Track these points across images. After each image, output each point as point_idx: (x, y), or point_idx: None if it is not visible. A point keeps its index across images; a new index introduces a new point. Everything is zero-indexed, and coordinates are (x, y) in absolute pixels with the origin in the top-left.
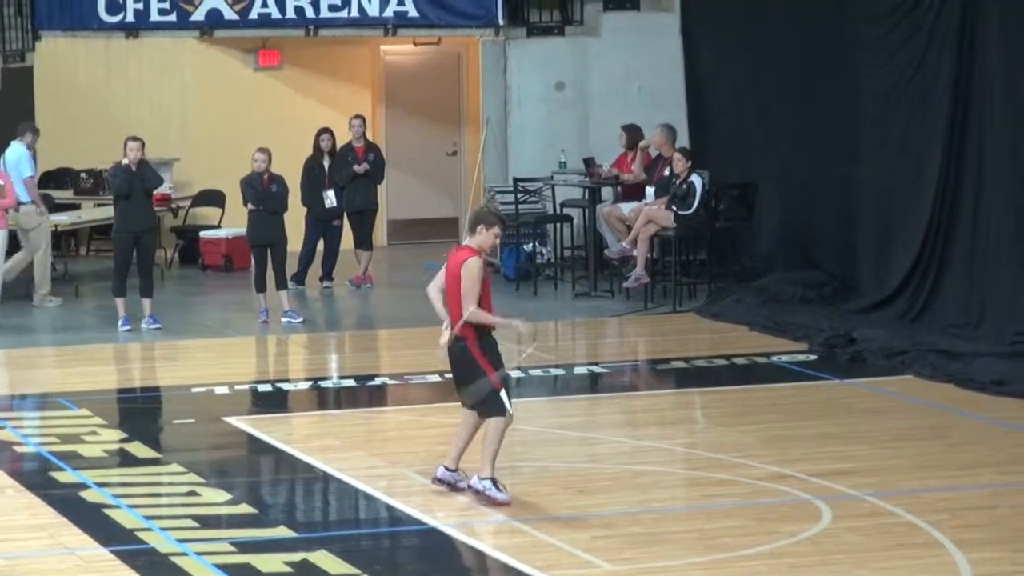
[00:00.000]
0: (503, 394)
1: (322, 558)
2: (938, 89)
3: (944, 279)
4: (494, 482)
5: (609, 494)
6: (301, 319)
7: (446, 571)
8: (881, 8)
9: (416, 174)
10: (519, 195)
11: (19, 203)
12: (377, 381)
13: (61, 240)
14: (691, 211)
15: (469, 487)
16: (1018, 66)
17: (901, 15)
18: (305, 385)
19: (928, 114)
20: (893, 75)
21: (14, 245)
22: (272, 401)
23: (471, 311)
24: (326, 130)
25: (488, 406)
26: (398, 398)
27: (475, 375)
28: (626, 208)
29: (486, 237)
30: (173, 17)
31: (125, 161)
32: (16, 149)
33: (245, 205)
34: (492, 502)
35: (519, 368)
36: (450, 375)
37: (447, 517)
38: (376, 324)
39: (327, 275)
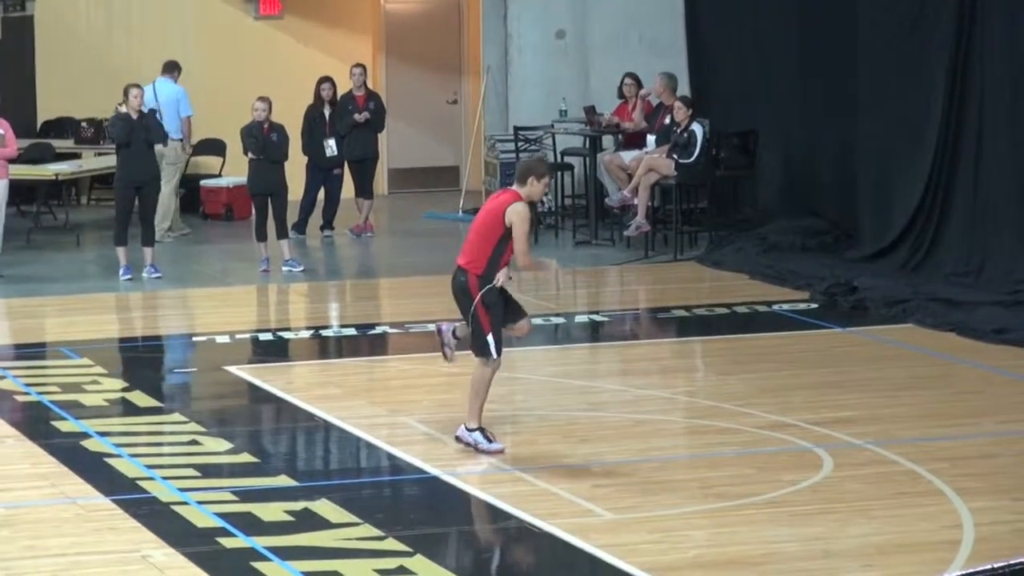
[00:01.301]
0: (490, 338)
1: (323, 507)
2: (939, 38)
3: (945, 228)
4: (482, 431)
5: (610, 443)
6: (302, 268)
7: (447, 520)
8: None
9: (417, 123)
10: (519, 143)
11: (168, 138)
12: (378, 330)
13: (62, 189)
14: (692, 159)
15: (456, 439)
16: (1019, 17)
17: None
18: (306, 334)
19: (929, 63)
20: (894, 24)
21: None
22: (273, 350)
23: (528, 260)
24: (327, 79)
25: (476, 347)
26: (399, 347)
27: (469, 312)
28: (627, 157)
29: (537, 188)
30: None
31: (124, 109)
32: (171, 87)
33: (246, 154)
34: (485, 453)
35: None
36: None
37: (448, 465)
38: (377, 273)
39: (328, 224)
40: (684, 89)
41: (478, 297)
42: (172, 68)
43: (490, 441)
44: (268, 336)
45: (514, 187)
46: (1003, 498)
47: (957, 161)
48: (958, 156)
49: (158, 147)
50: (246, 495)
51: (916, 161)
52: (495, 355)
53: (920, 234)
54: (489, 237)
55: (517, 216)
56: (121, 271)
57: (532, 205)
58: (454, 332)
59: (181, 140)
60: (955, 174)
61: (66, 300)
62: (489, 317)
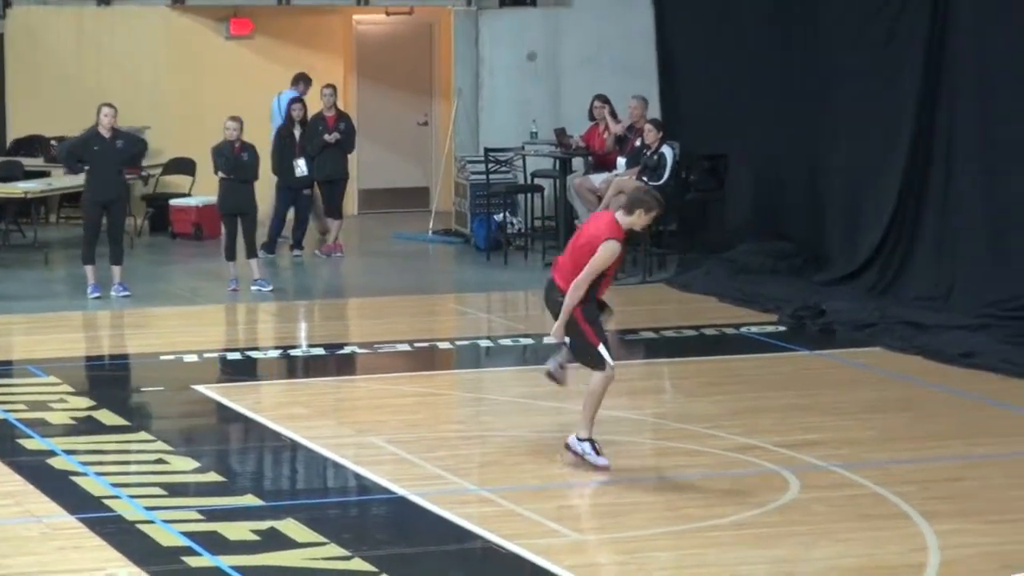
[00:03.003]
0: (602, 348)
1: (290, 526)
2: (909, 62)
3: (914, 251)
4: (592, 443)
5: (577, 464)
6: (271, 287)
7: (414, 540)
8: None
9: (387, 144)
10: (490, 165)
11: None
12: (346, 350)
13: (31, 207)
14: (662, 182)
15: (566, 447)
16: (990, 40)
17: None
18: (274, 353)
19: (899, 87)
20: (864, 47)
21: None
22: (241, 369)
23: (579, 291)
24: (298, 99)
25: (588, 360)
26: (367, 367)
27: (571, 330)
28: (597, 179)
29: (642, 220)
30: None
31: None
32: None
33: (216, 173)
34: (592, 466)
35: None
36: (420, 344)
37: (415, 485)
38: (346, 293)
39: (297, 244)
40: (654, 112)
41: (580, 315)
42: (298, 80)
43: (598, 454)
44: (236, 355)
45: (618, 214)
46: (969, 522)
47: (926, 185)
48: (927, 180)
49: None
50: (212, 514)
51: (885, 185)
52: (610, 363)
53: (888, 257)
54: (584, 263)
55: (606, 252)
56: (89, 289)
57: (502, 228)
58: (561, 365)
59: None
60: (924, 198)
61: (34, 318)
62: (593, 329)
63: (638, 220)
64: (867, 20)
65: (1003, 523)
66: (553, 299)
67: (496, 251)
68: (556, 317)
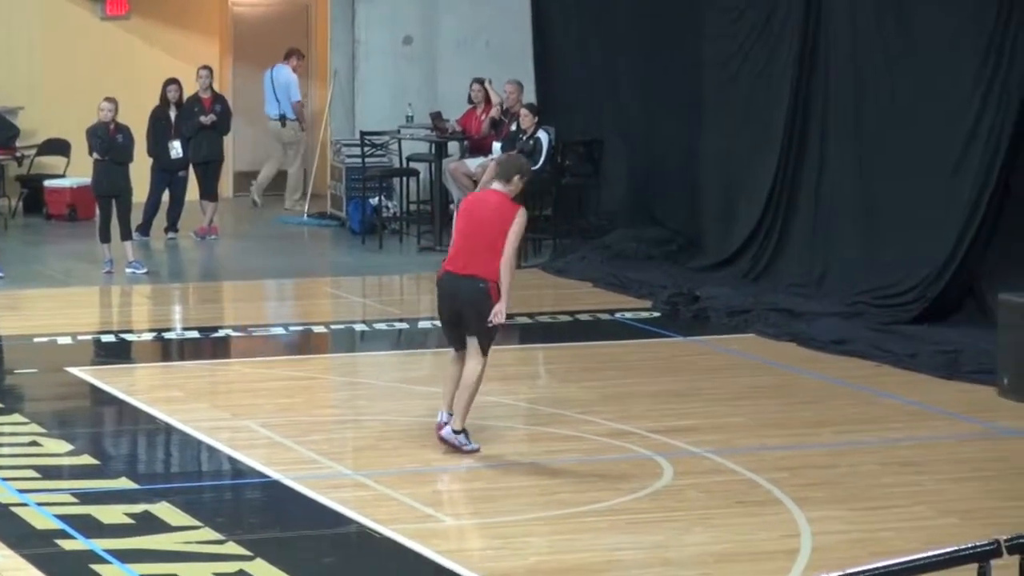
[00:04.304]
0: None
1: (164, 510)
2: (784, 49)
3: (787, 239)
4: (466, 434)
5: (452, 449)
6: (145, 270)
7: (288, 524)
8: None
9: (263, 126)
10: (365, 148)
11: (284, 118)
12: (221, 333)
13: None
14: (537, 167)
15: (440, 438)
16: (863, 29)
17: None
18: (149, 336)
19: (773, 75)
20: (740, 35)
21: None
22: (115, 352)
23: (513, 265)
24: (173, 80)
25: (484, 343)
26: (242, 350)
27: (487, 307)
28: (472, 164)
29: (519, 186)
30: None
31: None
32: (286, 72)
33: (91, 155)
34: (462, 452)
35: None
36: (295, 327)
37: (289, 469)
38: (220, 276)
39: (172, 226)
40: (530, 96)
41: (502, 304)
42: (290, 55)
43: (470, 441)
44: (110, 338)
45: (496, 185)
46: (840, 508)
47: (800, 173)
48: (801, 168)
49: (276, 128)
50: (86, 497)
51: (759, 172)
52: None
53: (762, 244)
54: (499, 246)
55: (523, 219)
56: None
57: (376, 212)
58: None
59: (296, 120)
60: (797, 186)
61: None
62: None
63: (515, 187)
64: (743, 6)
65: (873, 509)
66: (475, 287)
67: (371, 235)
68: (471, 306)
